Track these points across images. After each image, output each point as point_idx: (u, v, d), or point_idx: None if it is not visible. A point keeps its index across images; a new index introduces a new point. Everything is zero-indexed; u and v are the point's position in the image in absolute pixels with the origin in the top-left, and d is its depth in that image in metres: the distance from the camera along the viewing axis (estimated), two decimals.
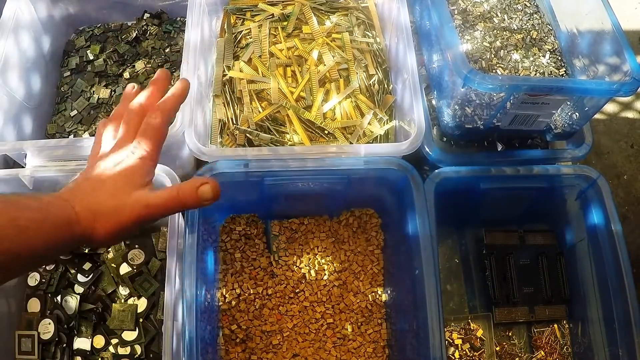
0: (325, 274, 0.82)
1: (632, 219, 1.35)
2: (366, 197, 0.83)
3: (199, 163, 0.80)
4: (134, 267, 0.77)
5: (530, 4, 0.82)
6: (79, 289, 0.78)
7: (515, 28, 0.79)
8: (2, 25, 0.80)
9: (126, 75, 0.92)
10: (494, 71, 0.73)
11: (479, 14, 0.79)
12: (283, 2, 0.90)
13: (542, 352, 0.81)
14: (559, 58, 0.77)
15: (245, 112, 0.80)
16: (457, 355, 0.79)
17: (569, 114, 0.73)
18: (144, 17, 0.97)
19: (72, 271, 0.79)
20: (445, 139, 0.80)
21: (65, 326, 0.76)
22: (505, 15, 0.80)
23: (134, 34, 0.95)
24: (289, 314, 0.80)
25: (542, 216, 0.88)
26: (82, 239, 0.46)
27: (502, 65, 0.74)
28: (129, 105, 0.52)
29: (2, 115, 0.80)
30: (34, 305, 0.78)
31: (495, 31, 0.77)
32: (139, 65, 0.92)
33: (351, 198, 0.82)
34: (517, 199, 0.82)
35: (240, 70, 0.83)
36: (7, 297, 0.78)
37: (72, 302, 0.77)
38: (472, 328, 0.81)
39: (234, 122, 0.80)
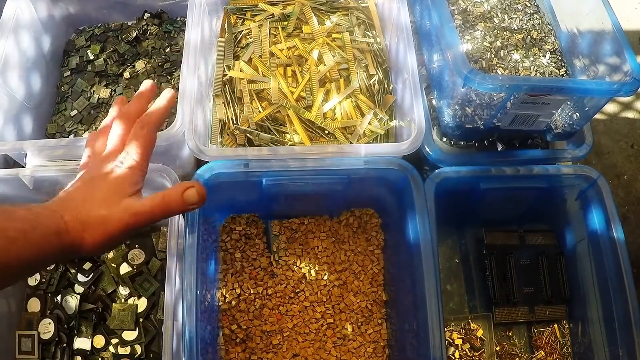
0: (325, 274, 0.82)
1: (632, 219, 1.35)
2: (366, 197, 0.83)
3: (199, 163, 0.80)
4: (134, 267, 0.77)
5: (530, 4, 0.82)
6: (79, 289, 0.78)
7: (516, 28, 0.79)
8: (2, 25, 0.80)
9: (126, 75, 0.92)
10: (494, 71, 0.73)
11: (479, 14, 0.79)
12: (283, 2, 0.90)
13: (542, 352, 0.81)
14: (559, 58, 0.77)
15: (246, 112, 0.80)
16: (457, 355, 0.79)
17: (569, 114, 0.73)
18: (144, 17, 0.97)
19: (72, 271, 0.79)
20: (445, 139, 0.80)
21: (66, 326, 0.76)
22: (506, 15, 0.80)
23: (134, 34, 0.95)
24: (289, 314, 0.80)
25: (542, 216, 0.88)
26: (72, 249, 0.46)
27: (503, 65, 0.74)
28: (117, 117, 0.54)
29: (2, 115, 0.80)
30: (34, 305, 0.78)
31: (495, 31, 0.77)
32: (139, 65, 0.92)
33: (351, 198, 0.82)
34: (517, 199, 0.82)
35: (241, 70, 0.83)
36: (7, 297, 0.78)
37: (72, 301, 0.77)
38: (472, 328, 0.81)
39: (234, 122, 0.80)
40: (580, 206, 0.81)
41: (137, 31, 0.95)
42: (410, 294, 0.70)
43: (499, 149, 0.79)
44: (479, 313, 0.83)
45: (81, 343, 0.75)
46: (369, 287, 0.82)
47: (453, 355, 0.79)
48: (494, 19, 0.79)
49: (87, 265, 0.79)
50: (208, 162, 0.71)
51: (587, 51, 0.75)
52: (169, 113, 0.56)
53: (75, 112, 0.90)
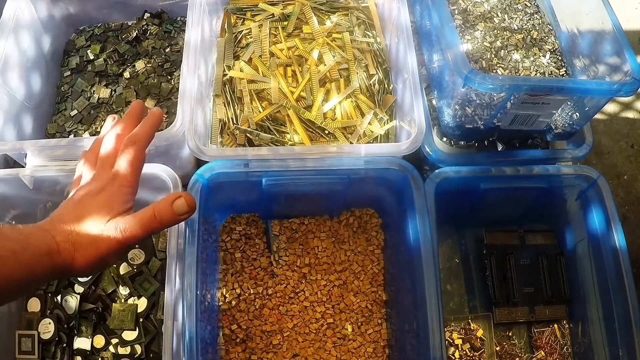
0: (325, 274, 0.82)
1: (632, 219, 1.35)
2: (366, 197, 0.83)
3: (199, 163, 0.80)
4: (134, 267, 0.77)
5: (530, 4, 0.82)
6: (79, 289, 0.78)
7: (516, 28, 0.79)
8: (2, 25, 0.80)
9: (126, 75, 0.92)
10: (494, 71, 0.73)
11: (480, 13, 0.79)
12: (283, 1, 0.90)
13: (542, 352, 0.81)
14: (560, 58, 0.77)
15: (246, 111, 0.80)
16: (457, 355, 0.79)
17: (570, 114, 0.73)
18: (144, 17, 0.97)
19: None
20: (445, 139, 0.80)
21: (66, 326, 0.76)
22: (506, 15, 0.80)
23: (134, 34, 0.95)
24: (289, 314, 0.80)
25: (542, 216, 0.88)
26: (63, 270, 0.46)
27: (503, 65, 0.74)
28: (106, 136, 0.54)
29: (2, 115, 0.80)
30: (34, 304, 0.78)
31: (495, 31, 0.77)
32: (139, 65, 0.92)
33: (351, 198, 0.82)
34: (518, 199, 0.82)
35: (241, 70, 0.83)
36: None
37: (72, 301, 0.77)
38: (472, 328, 0.81)
39: (234, 121, 0.80)
40: (580, 206, 0.81)
41: (137, 31, 0.95)
42: (410, 294, 0.70)
43: (499, 149, 0.79)
44: (479, 313, 0.83)
45: (81, 343, 0.75)
46: (369, 287, 0.82)
47: (453, 355, 0.79)
48: (494, 19, 0.79)
49: None
50: (208, 162, 0.71)
51: (587, 51, 0.75)
52: (156, 130, 0.56)
53: (75, 112, 0.90)
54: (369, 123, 0.81)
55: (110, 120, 0.57)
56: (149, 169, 0.69)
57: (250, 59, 0.84)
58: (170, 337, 0.62)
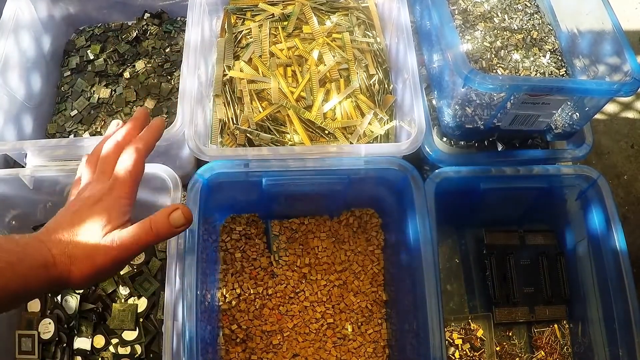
0: (325, 274, 0.82)
1: (632, 219, 1.35)
2: (366, 197, 0.83)
3: (199, 163, 0.80)
4: (134, 267, 0.77)
5: (530, 4, 0.82)
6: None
7: (516, 28, 0.79)
8: (2, 25, 0.80)
9: (126, 75, 0.92)
10: (494, 71, 0.73)
11: (480, 14, 0.79)
12: (283, 2, 0.90)
13: (542, 352, 0.81)
14: (560, 58, 0.77)
15: (246, 111, 0.80)
16: (457, 355, 0.79)
17: (570, 114, 0.73)
18: (145, 17, 0.97)
19: None
20: (445, 139, 0.80)
21: (66, 326, 0.76)
22: (506, 15, 0.80)
23: (135, 34, 0.95)
24: (289, 314, 0.80)
25: (542, 216, 0.88)
26: (59, 282, 0.46)
27: (503, 65, 0.74)
28: (106, 143, 0.54)
29: (2, 115, 0.80)
30: (34, 304, 0.78)
31: (495, 31, 0.77)
32: (140, 65, 0.92)
33: (351, 198, 0.82)
34: (518, 199, 0.82)
35: (241, 70, 0.83)
36: None
37: (72, 301, 0.77)
38: (472, 328, 0.81)
39: (234, 121, 0.80)
40: (580, 206, 0.81)
41: (137, 31, 0.95)
42: (410, 294, 0.70)
43: (499, 149, 0.79)
44: (479, 313, 0.83)
45: (81, 343, 0.75)
46: (369, 287, 0.82)
47: (453, 355, 0.79)
48: (494, 19, 0.79)
49: None
50: (208, 162, 0.71)
51: (587, 51, 0.75)
52: (158, 140, 0.56)
53: (75, 112, 0.90)
54: (369, 123, 0.81)
55: (114, 125, 0.57)
56: (149, 169, 0.69)
57: (250, 59, 0.84)
58: (170, 337, 0.62)
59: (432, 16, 0.76)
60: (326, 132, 0.79)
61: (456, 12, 0.79)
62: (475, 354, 0.79)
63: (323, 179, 0.74)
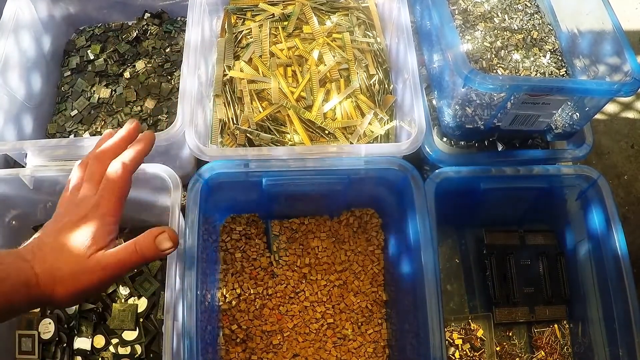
0: (325, 274, 0.82)
1: (632, 219, 1.35)
2: (366, 197, 0.83)
3: (199, 163, 0.80)
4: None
5: (530, 4, 0.82)
6: None
7: (516, 28, 0.79)
8: (3, 25, 0.80)
9: (127, 75, 0.92)
10: (494, 71, 0.73)
11: (480, 14, 0.79)
12: (283, 2, 0.90)
13: (543, 352, 0.81)
14: (560, 58, 0.77)
15: (246, 111, 0.80)
16: (457, 355, 0.79)
17: (570, 114, 0.73)
18: (145, 17, 0.97)
19: None
20: (445, 139, 0.80)
21: (66, 326, 0.76)
22: (506, 16, 0.80)
23: (135, 34, 0.95)
24: (289, 314, 0.80)
25: (542, 216, 0.88)
26: (41, 301, 0.46)
27: (503, 66, 0.74)
28: (94, 155, 0.53)
29: (2, 115, 0.80)
30: None
31: (495, 31, 0.77)
32: (140, 65, 0.92)
33: (351, 198, 0.82)
34: (518, 199, 0.82)
35: (241, 70, 0.83)
36: None
37: None
38: (472, 328, 0.81)
39: (235, 121, 0.80)
40: (580, 206, 0.81)
41: (137, 31, 0.95)
42: (410, 294, 0.70)
43: (499, 149, 0.79)
44: (479, 313, 0.83)
45: (81, 343, 0.75)
46: (369, 287, 0.82)
47: (453, 355, 0.79)
48: (494, 19, 0.79)
49: None
50: (208, 162, 0.71)
51: (588, 51, 0.75)
52: (147, 154, 0.55)
53: (75, 112, 0.90)
54: (369, 123, 0.81)
55: (107, 136, 0.56)
56: (149, 169, 0.69)
57: (250, 59, 0.84)
58: (170, 337, 0.62)
59: (432, 16, 0.76)
60: (326, 132, 0.79)
61: (456, 12, 0.79)
62: (475, 354, 0.79)
63: (323, 179, 0.74)
